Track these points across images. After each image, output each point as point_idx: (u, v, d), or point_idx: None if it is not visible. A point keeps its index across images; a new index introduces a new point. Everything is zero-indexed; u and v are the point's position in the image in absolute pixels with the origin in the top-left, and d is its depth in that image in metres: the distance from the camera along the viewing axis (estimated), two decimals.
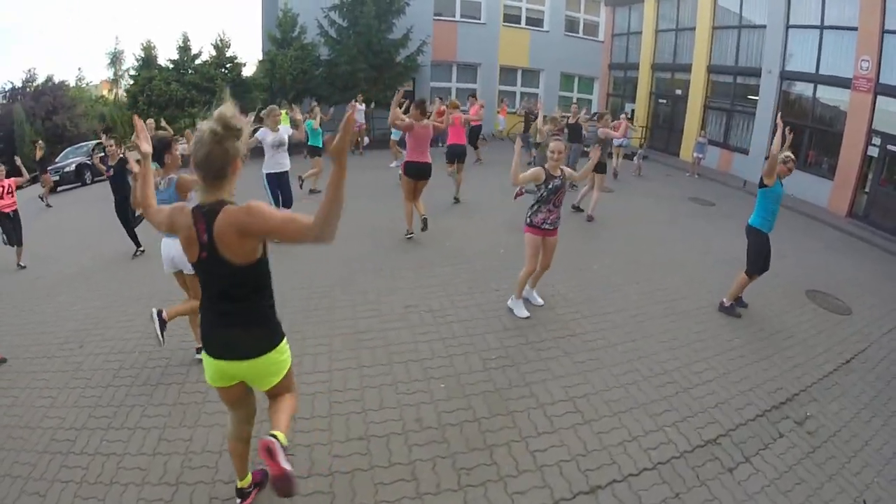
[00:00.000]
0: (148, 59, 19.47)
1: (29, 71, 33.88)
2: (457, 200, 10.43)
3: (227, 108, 2.20)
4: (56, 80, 32.05)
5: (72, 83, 34.60)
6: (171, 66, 19.34)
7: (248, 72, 20.83)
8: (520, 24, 22.03)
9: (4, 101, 30.28)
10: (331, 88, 18.62)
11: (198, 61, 19.61)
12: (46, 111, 29.59)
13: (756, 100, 15.65)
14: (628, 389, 4.33)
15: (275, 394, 2.68)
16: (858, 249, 10.09)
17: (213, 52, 19.74)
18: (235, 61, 19.96)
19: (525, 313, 5.56)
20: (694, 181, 15.01)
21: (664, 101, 20.11)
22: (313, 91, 18.39)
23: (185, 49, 19.51)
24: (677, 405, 4.17)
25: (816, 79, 13.73)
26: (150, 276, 7.00)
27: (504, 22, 21.67)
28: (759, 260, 5.88)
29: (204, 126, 2.20)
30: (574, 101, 21.29)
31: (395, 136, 14.29)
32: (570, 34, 22.73)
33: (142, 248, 8.29)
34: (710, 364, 4.85)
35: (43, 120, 28.85)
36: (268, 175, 7.95)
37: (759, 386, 4.60)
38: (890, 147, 11.69)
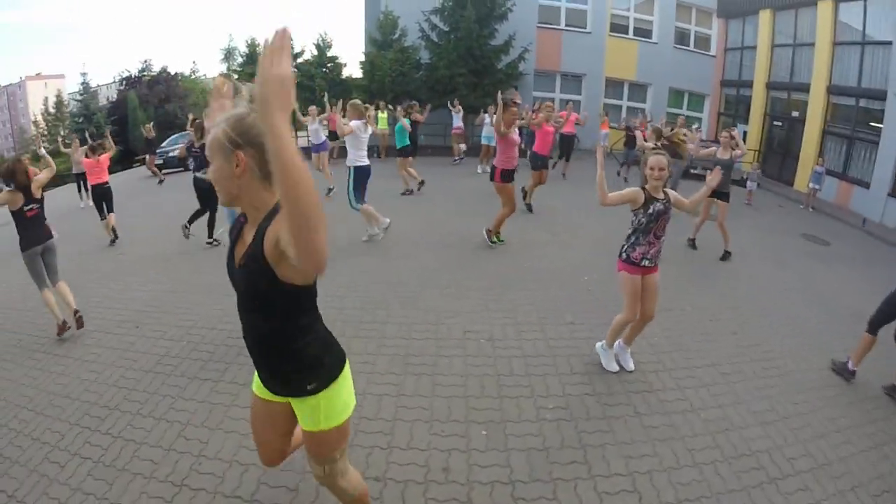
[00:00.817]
0: (252, 56, 20.23)
1: (145, 61, 36.92)
2: (528, 208, 10.30)
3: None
4: (171, 71, 34.60)
5: (186, 74, 37.25)
6: None
7: (349, 72, 21.22)
8: (627, 34, 20.98)
9: (122, 88, 32.94)
10: (430, 92, 18.56)
11: (299, 60, 20.17)
12: (159, 99, 32.06)
13: (880, 127, 13.82)
14: (703, 471, 3.55)
15: None
16: None
17: (315, 52, 20.20)
18: (336, 61, 20.37)
19: (614, 367, 4.79)
20: (808, 215, 13.56)
21: (779, 123, 18.38)
22: (412, 94, 18.39)
23: None
24: (760, 501, 3.37)
25: None
26: (221, 267, 6.96)
27: (611, 32, 20.71)
28: None
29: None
30: (682, 117, 20.11)
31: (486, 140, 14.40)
32: (681, 47, 21.34)
33: (215, 241, 8.38)
34: (808, 449, 3.96)
35: (155, 107, 31.20)
36: None
37: (863, 485, 3.63)
38: None
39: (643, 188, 4.35)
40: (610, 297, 5.88)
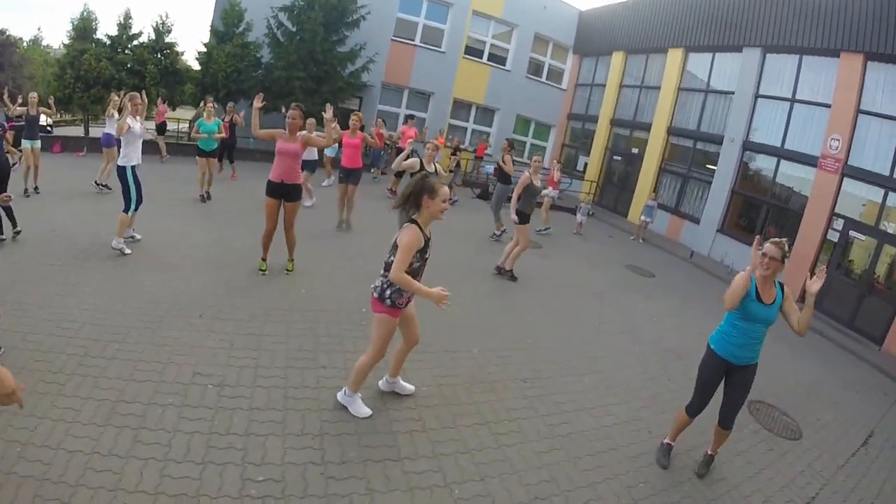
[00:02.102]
0: (85, 31, 17.57)
1: None
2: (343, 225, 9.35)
3: None
4: (11, 34, 29.98)
5: (28, 40, 32.62)
6: (108, 42, 17.62)
7: (187, 62, 19.22)
8: (482, 58, 20.81)
9: None
10: (264, 93, 16.90)
11: (135, 42, 17.87)
12: None
13: (714, 169, 14.80)
14: None
15: None
16: (811, 345, 8.59)
17: (153, 35, 17.99)
18: (173, 48, 18.27)
19: (367, 411, 3.83)
20: (637, 246, 13.76)
21: (619, 158, 19.13)
22: (246, 93, 16.76)
23: (124, 26, 17.82)
24: None
25: (781, 153, 13.00)
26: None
27: (465, 54, 20.41)
28: None
29: None
30: (508, 142, 20.48)
31: (329, 152, 13.57)
32: (533, 77, 21.60)
33: (18, 229, 6.58)
34: None
35: None
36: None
37: None
38: (852, 232, 10.92)
39: (420, 228, 3.46)
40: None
